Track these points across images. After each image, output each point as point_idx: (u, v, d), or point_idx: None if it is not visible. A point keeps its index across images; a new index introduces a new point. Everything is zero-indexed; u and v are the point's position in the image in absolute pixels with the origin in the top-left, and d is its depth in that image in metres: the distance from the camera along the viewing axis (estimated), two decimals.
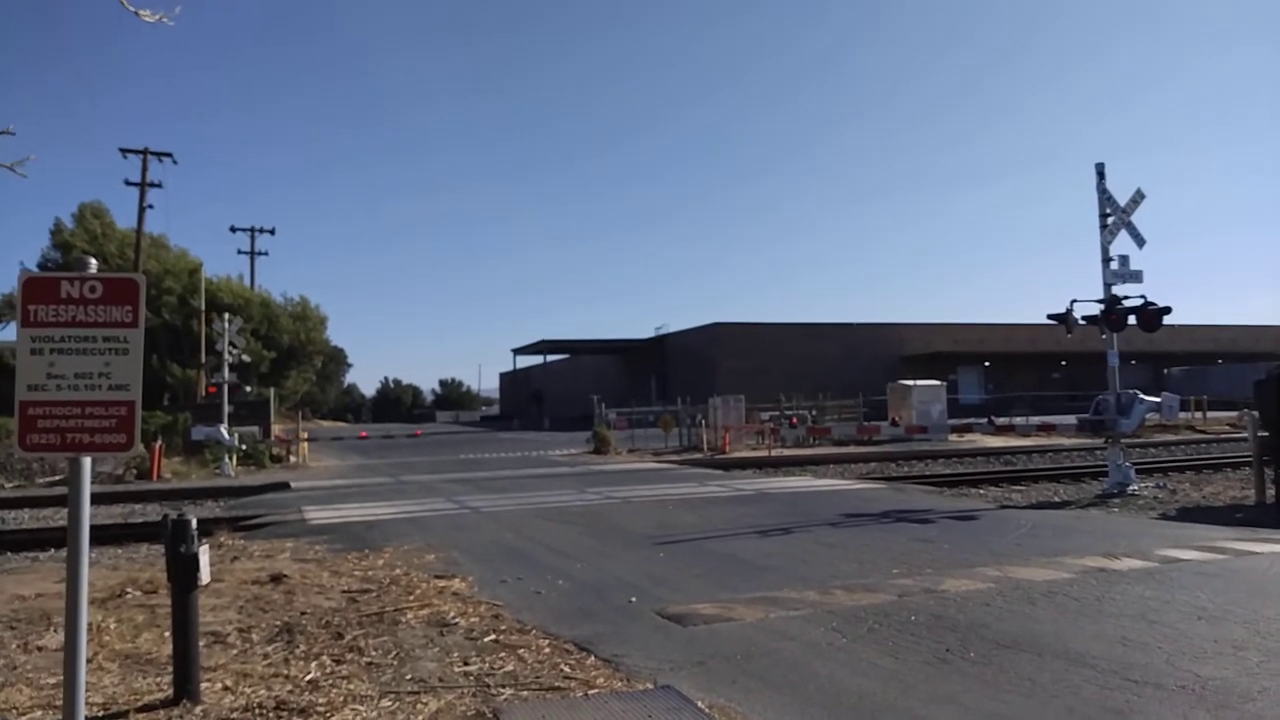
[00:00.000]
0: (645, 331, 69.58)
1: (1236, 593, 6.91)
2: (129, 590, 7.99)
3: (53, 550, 12.11)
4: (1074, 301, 15.58)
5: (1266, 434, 13.63)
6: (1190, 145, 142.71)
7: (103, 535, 12.93)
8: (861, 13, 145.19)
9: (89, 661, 5.51)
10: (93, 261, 4.08)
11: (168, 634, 5.90)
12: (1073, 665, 5.16)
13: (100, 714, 4.73)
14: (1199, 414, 37.53)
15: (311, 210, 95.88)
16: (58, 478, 22.04)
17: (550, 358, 74.45)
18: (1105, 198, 15.49)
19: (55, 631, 6.67)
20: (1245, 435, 18.02)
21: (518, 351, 74.19)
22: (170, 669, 5.13)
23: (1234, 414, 35.21)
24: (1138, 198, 15.40)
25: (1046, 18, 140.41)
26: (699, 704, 4.63)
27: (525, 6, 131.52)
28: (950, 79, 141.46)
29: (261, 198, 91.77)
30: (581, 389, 63.12)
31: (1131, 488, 15.18)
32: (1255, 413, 14.20)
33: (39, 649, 6.23)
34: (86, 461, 3.90)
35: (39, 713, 4.84)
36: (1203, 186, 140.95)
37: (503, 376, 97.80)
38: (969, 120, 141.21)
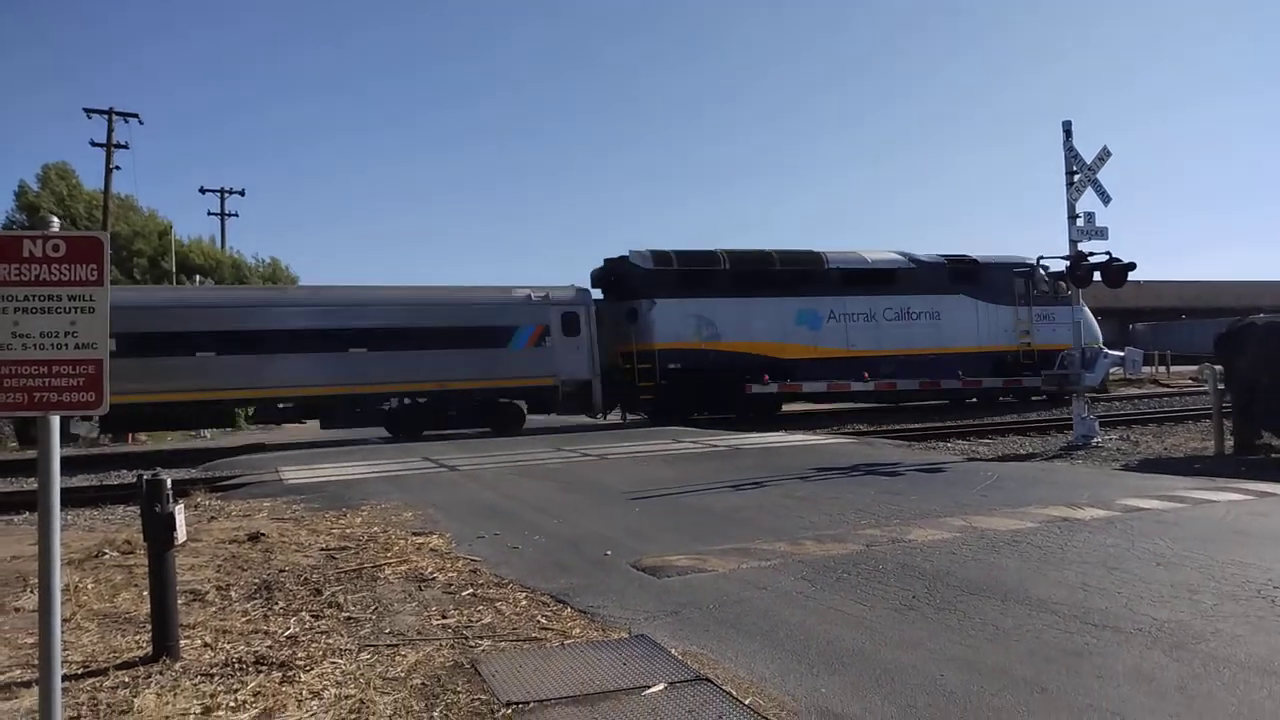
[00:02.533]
0: None
1: (1193, 540, 7.11)
2: (106, 551, 8.01)
3: (27, 513, 12.08)
4: (1040, 258, 15.77)
5: (1224, 386, 13.96)
6: (1167, 115, 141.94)
7: (79, 498, 12.90)
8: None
9: (67, 621, 5.55)
10: (55, 220, 4.07)
11: (146, 593, 5.94)
12: (1035, 610, 5.32)
13: (80, 672, 4.78)
14: (1163, 368, 38.15)
15: (284, 174, 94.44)
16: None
17: None
18: (1072, 155, 15.61)
19: (31, 593, 6.68)
20: (1206, 389, 18.42)
21: None
22: (149, 627, 5.18)
23: (1196, 368, 35.80)
24: (1104, 155, 15.54)
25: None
26: (672, 651, 4.75)
27: None
28: (941, 43, 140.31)
29: (233, 161, 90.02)
30: None
31: (1095, 440, 15.50)
32: (1216, 366, 14.51)
33: (15, 610, 6.26)
34: (55, 421, 3.91)
35: (17, 671, 4.89)
36: (1179, 151, 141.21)
37: None
38: (960, 84, 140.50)
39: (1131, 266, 15.28)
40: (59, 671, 3.81)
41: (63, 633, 4.07)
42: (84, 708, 4.25)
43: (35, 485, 13.89)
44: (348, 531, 8.72)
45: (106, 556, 7.84)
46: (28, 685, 4.62)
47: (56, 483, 3.87)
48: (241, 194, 49.60)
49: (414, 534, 8.43)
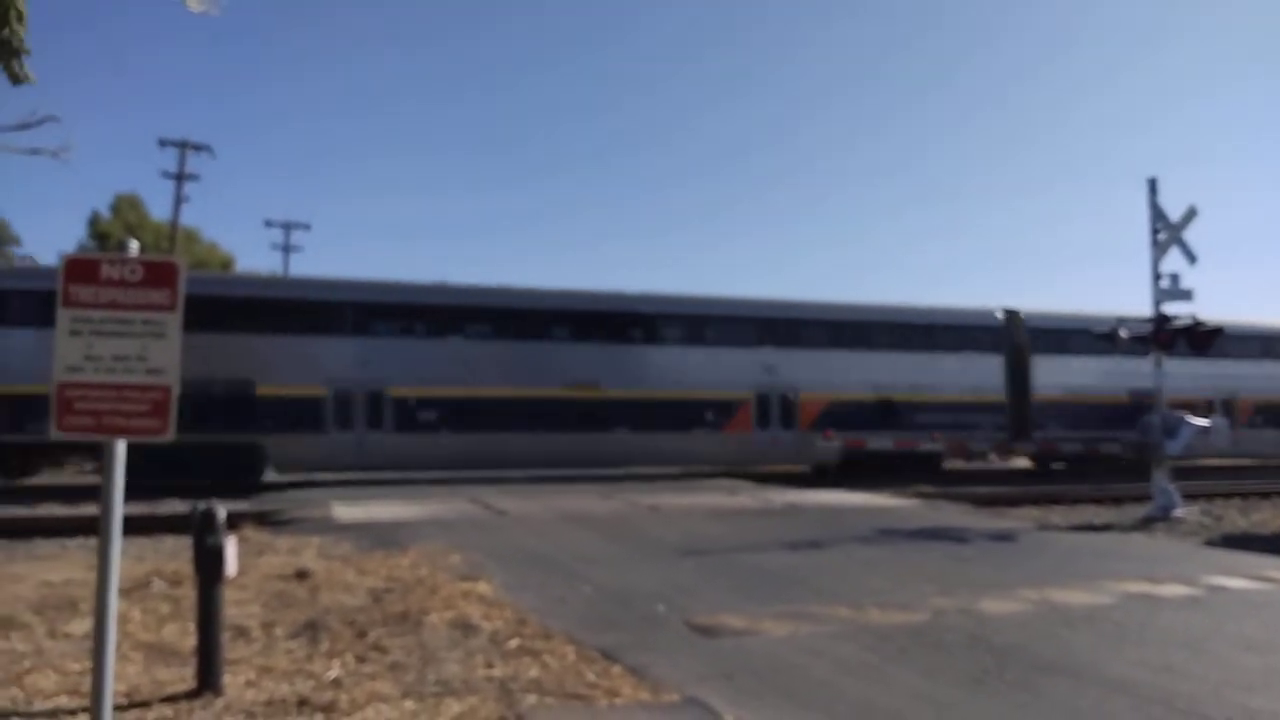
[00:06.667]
0: None
1: None
2: (154, 580, 8.01)
3: (81, 538, 12.18)
4: (1121, 320, 15.26)
5: None
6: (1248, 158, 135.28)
7: (129, 525, 12.81)
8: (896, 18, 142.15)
9: None
10: (134, 244, 4.05)
11: (191, 625, 5.88)
12: (1113, 692, 4.99)
13: (124, 702, 4.71)
14: None
15: (350, 205, 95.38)
16: (89, 467, 22.30)
17: None
18: (1156, 213, 15.12)
19: (82, 619, 6.67)
20: None
21: None
22: (193, 661, 5.11)
23: None
24: (1190, 214, 15.00)
25: (1079, 25, 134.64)
26: (727, 718, 4.51)
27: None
28: (977, 85, 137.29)
29: (300, 193, 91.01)
30: None
31: (1176, 512, 14.79)
32: None
33: (66, 635, 6.24)
34: (121, 445, 3.87)
35: (64, 698, 4.84)
36: (1262, 201, 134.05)
37: None
38: (1003, 129, 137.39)
39: (1218, 331, 14.68)
40: (110, 704, 3.73)
41: (113, 663, 3.99)
42: None
43: (88, 510, 13.93)
44: (395, 573, 8.61)
45: (154, 586, 7.83)
46: (73, 714, 4.56)
47: (119, 510, 3.83)
48: (307, 228, 49.87)
49: (461, 579, 8.28)
